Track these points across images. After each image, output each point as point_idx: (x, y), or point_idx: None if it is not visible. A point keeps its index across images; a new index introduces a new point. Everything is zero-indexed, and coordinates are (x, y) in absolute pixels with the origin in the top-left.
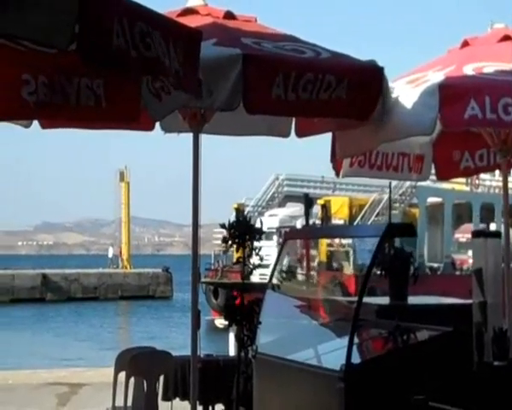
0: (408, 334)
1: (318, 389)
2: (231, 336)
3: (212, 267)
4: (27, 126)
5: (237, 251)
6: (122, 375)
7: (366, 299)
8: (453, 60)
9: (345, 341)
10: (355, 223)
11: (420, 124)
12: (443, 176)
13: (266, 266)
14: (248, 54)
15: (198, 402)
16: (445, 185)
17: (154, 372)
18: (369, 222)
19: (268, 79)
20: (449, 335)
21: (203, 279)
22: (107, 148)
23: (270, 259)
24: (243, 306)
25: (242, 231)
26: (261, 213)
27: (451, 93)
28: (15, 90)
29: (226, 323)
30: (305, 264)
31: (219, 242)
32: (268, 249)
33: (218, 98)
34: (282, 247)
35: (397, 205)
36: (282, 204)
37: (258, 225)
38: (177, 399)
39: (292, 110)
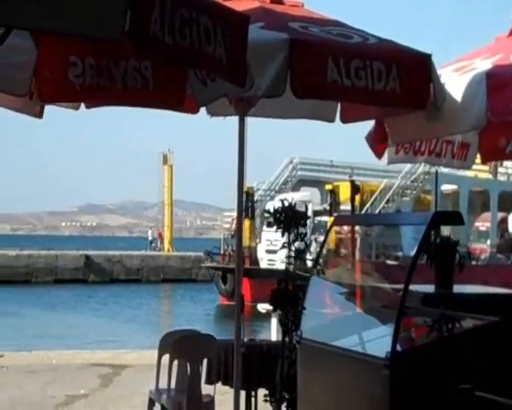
0: (453, 323)
1: (363, 376)
2: (274, 322)
3: (221, 252)
4: (76, 109)
5: (282, 236)
6: (165, 358)
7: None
8: (501, 48)
9: (390, 328)
10: (364, 209)
11: (472, 118)
12: (486, 162)
13: (274, 252)
14: (295, 38)
15: (240, 387)
16: (461, 172)
17: (197, 355)
18: (378, 209)
19: (320, 64)
20: (495, 324)
21: (208, 264)
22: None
23: (279, 244)
24: (288, 291)
25: (287, 217)
26: (272, 198)
27: (499, 82)
28: (63, 72)
29: (269, 308)
30: (349, 250)
31: (228, 225)
32: (276, 234)
33: (262, 85)
34: (327, 233)
35: (408, 192)
36: (295, 188)
37: (267, 208)
38: (220, 383)
39: (346, 96)
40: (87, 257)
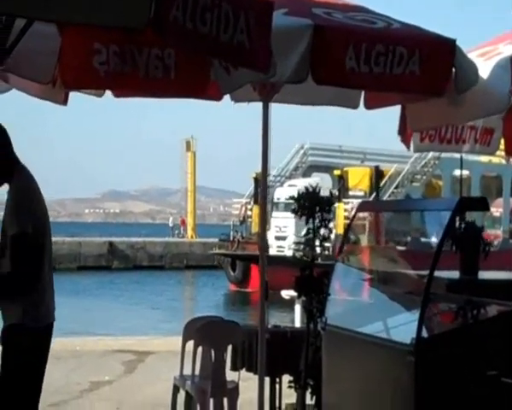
0: (478, 309)
1: (388, 362)
2: (298, 308)
3: (231, 238)
4: (99, 96)
5: (306, 222)
6: (190, 344)
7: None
8: None
9: (415, 314)
10: (373, 195)
11: (494, 102)
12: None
13: (283, 239)
14: (319, 24)
15: (265, 373)
16: (473, 157)
17: (222, 342)
18: (387, 194)
19: (340, 51)
20: None
21: (217, 251)
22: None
23: (288, 231)
24: (313, 277)
25: (312, 203)
26: (282, 184)
27: None
28: (87, 59)
29: (293, 294)
30: (374, 236)
31: (237, 212)
32: (285, 221)
33: (286, 70)
34: (352, 219)
35: (418, 177)
36: (306, 174)
37: (274, 195)
38: (244, 369)
39: (365, 83)
40: (110, 244)
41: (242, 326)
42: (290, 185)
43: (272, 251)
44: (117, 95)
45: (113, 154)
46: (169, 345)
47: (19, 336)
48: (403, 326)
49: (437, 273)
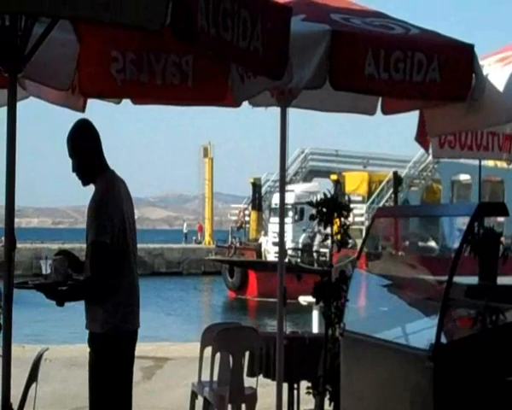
0: (497, 314)
1: (406, 368)
2: (315, 314)
3: (228, 244)
4: (118, 103)
5: (325, 228)
6: (208, 350)
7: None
8: None
9: (433, 320)
10: (371, 199)
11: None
12: None
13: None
14: (337, 30)
15: (283, 379)
16: (474, 161)
17: (240, 348)
18: (385, 199)
19: (358, 57)
20: None
21: (213, 257)
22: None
23: (285, 236)
24: (331, 283)
25: (330, 208)
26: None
27: None
28: (104, 67)
29: (310, 300)
30: (392, 242)
31: (235, 217)
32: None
33: (304, 76)
34: (370, 225)
35: (417, 181)
36: (307, 179)
37: (273, 200)
38: (262, 375)
39: (384, 90)
40: None
41: (260, 332)
42: (288, 191)
43: (270, 257)
44: (135, 102)
45: (131, 160)
46: (187, 351)
47: (100, 344)
48: (421, 332)
49: (455, 279)
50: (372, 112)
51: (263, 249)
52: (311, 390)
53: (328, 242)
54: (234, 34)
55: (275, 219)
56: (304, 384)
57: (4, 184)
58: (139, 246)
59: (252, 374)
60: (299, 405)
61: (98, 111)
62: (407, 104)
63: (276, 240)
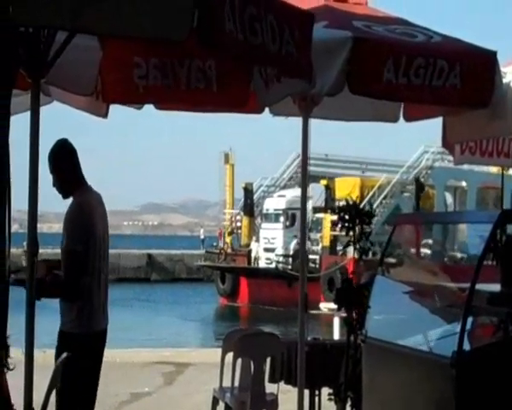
0: None
1: (429, 375)
2: (336, 321)
3: (218, 250)
4: (139, 108)
5: (346, 234)
6: (229, 356)
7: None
8: None
9: (456, 327)
10: (362, 205)
11: None
12: None
13: (272, 250)
14: (359, 37)
15: (304, 385)
16: (469, 166)
17: (261, 354)
18: (375, 205)
19: (378, 63)
20: None
21: (202, 263)
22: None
23: (276, 242)
24: (353, 290)
25: (352, 215)
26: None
27: None
28: (127, 73)
29: (332, 307)
30: (414, 249)
31: (228, 223)
32: (273, 232)
33: (326, 82)
34: (392, 231)
35: (410, 187)
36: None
37: (264, 206)
38: (283, 382)
39: (402, 96)
40: (149, 256)
41: (282, 338)
42: (280, 196)
43: (261, 263)
44: (159, 107)
45: (151, 166)
46: (208, 357)
47: (69, 342)
48: (443, 339)
49: (478, 286)
50: (395, 119)
51: (253, 255)
52: (332, 397)
53: (317, 247)
54: (264, 38)
55: (266, 225)
56: (325, 391)
57: (27, 189)
58: (160, 251)
59: (273, 380)
60: None
61: (119, 116)
62: (429, 111)
63: (268, 246)
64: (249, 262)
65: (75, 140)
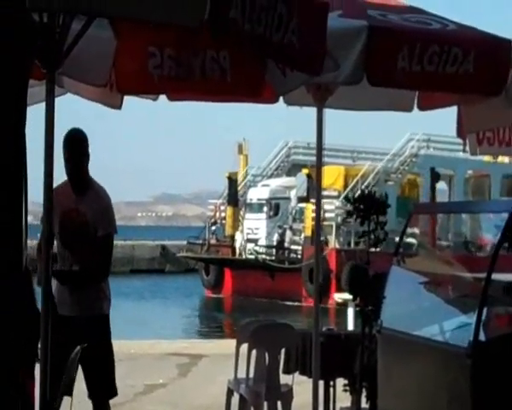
0: None
1: (444, 365)
2: (350, 311)
3: (201, 241)
4: (155, 100)
5: (361, 225)
6: (243, 347)
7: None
8: None
9: (471, 317)
10: (343, 194)
11: None
12: None
13: (254, 241)
14: (374, 25)
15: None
16: (457, 154)
17: (276, 345)
18: (357, 193)
19: (393, 52)
20: None
21: (184, 254)
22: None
23: (260, 233)
24: (368, 280)
25: (367, 205)
26: (256, 184)
27: None
28: (142, 63)
29: (346, 297)
30: (430, 239)
31: (211, 213)
32: (256, 223)
33: (342, 72)
34: (408, 220)
35: (394, 176)
36: (290, 173)
37: (248, 195)
38: (298, 372)
39: (416, 83)
40: (163, 247)
41: (296, 329)
42: (264, 185)
43: (244, 254)
44: (171, 98)
45: (164, 157)
46: (222, 348)
47: (97, 324)
48: (459, 329)
49: (494, 276)
50: (409, 108)
51: (238, 246)
52: (347, 388)
53: (298, 238)
54: (267, 28)
55: (250, 215)
56: (340, 382)
57: (39, 180)
58: (174, 242)
59: (288, 371)
60: (336, 402)
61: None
62: (444, 99)
63: (251, 237)
64: (233, 253)
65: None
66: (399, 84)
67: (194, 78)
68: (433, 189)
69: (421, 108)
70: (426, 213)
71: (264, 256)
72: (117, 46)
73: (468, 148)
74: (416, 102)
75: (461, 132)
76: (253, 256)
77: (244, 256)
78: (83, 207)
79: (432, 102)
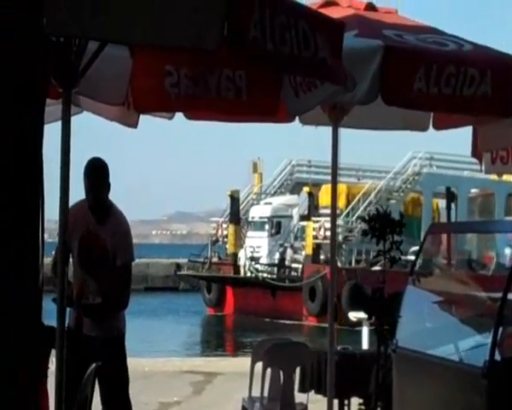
0: None
1: (460, 385)
2: (365, 330)
3: (203, 259)
4: (170, 119)
5: (377, 244)
6: (258, 365)
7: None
8: None
9: (487, 337)
10: (345, 213)
11: None
12: None
13: (257, 259)
14: (390, 45)
15: (334, 395)
16: (459, 172)
17: (291, 363)
18: (359, 212)
19: (409, 72)
20: None
21: (185, 272)
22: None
23: (262, 251)
24: (384, 299)
25: (382, 224)
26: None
27: None
28: (158, 82)
29: (361, 316)
30: (446, 258)
31: (214, 231)
32: (258, 241)
33: (358, 91)
34: (424, 240)
35: (396, 194)
36: (294, 191)
37: (250, 213)
38: (313, 391)
39: (434, 104)
40: (177, 265)
41: (311, 348)
42: (266, 203)
43: (248, 272)
44: (189, 117)
45: (179, 175)
46: (236, 366)
47: (117, 345)
48: (475, 349)
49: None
50: (424, 128)
51: (241, 264)
52: (362, 407)
53: (299, 256)
54: (294, 47)
55: (252, 233)
56: (355, 401)
57: (55, 198)
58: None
59: (303, 390)
60: None
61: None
62: (459, 119)
63: (253, 255)
64: (236, 271)
65: (98, 151)
66: (416, 105)
67: (210, 97)
68: (448, 208)
69: (437, 127)
70: (442, 233)
71: (264, 274)
72: (133, 65)
73: (483, 167)
74: (431, 121)
75: (476, 152)
76: (253, 274)
77: (248, 274)
78: (103, 234)
79: (448, 122)
